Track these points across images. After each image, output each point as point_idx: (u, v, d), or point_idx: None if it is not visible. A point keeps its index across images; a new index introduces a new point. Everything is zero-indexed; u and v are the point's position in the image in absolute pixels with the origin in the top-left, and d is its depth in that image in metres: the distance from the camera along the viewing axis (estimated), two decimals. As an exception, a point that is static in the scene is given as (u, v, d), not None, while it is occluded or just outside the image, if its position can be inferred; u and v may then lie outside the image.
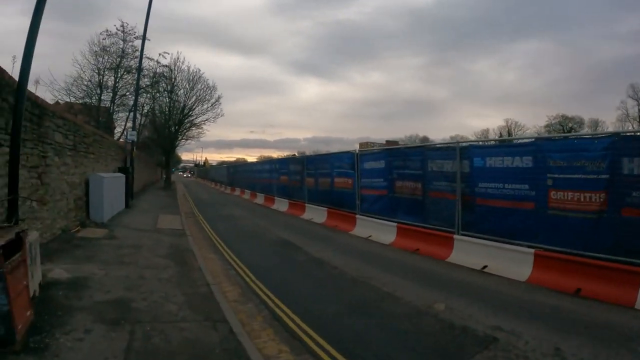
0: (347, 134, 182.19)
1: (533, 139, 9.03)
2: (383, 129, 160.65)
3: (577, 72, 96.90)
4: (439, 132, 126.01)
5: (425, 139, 78.28)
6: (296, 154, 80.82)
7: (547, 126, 63.67)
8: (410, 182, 10.72)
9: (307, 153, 66.88)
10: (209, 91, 32.61)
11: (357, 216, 12.52)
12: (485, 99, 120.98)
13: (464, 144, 9.76)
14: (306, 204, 16.59)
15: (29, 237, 4.81)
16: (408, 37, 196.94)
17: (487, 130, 72.43)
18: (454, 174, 9.11)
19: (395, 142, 78.56)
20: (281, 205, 19.46)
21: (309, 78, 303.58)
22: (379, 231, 11.15)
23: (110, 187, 12.48)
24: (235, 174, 35.74)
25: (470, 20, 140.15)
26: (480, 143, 10.99)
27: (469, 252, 8.34)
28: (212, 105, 32.96)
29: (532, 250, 7.20)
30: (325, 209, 14.64)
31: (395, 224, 10.66)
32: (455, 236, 8.84)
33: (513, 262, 7.39)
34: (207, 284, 6.39)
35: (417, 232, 9.94)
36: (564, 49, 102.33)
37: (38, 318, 4.35)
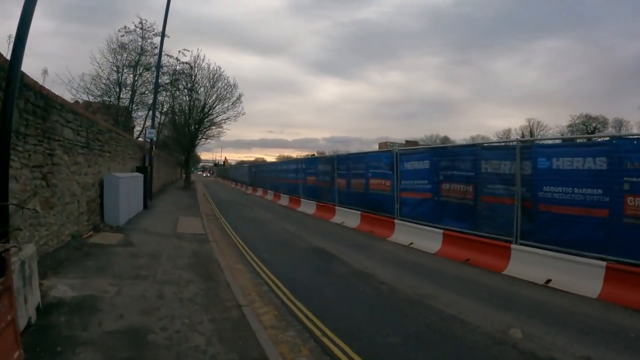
0: (366, 134, 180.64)
1: (608, 138, 7.91)
2: (402, 129, 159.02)
3: (598, 71, 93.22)
4: (459, 132, 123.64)
5: (445, 139, 76.54)
6: (315, 153, 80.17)
7: (570, 126, 62.22)
8: (460, 184, 9.60)
9: (327, 153, 66.05)
10: (230, 89, 31.63)
11: (396, 221, 11.37)
12: (505, 99, 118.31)
13: (525, 143, 8.60)
14: (336, 207, 15.50)
15: (22, 254, 3.85)
16: (427, 37, 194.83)
17: (509, 130, 70.46)
18: (513, 176, 8.15)
19: (415, 142, 77.09)
20: (308, 207, 18.40)
21: (327, 78, 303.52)
22: (422, 238, 10.07)
23: (126, 188, 11.65)
24: (258, 174, 34.69)
25: (489, 18, 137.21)
26: (549, 142, 9.75)
27: (530, 264, 7.42)
28: (232, 103, 32.07)
29: (604, 263, 6.40)
30: (359, 212, 13.52)
31: (441, 231, 9.61)
32: (512, 245, 7.91)
33: (581, 276, 6.58)
34: (238, 305, 5.35)
35: (466, 240, 8.91)
36: (585, 47, 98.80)
37: (31, 356, 3.45)
